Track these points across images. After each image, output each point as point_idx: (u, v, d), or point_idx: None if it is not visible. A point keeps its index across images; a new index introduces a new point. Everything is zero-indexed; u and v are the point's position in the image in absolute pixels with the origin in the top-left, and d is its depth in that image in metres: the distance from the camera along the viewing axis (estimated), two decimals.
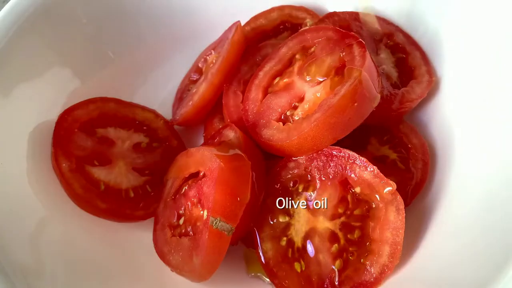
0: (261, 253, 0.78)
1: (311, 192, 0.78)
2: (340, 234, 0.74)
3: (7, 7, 0.85)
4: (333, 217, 0.75)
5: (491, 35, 0.80)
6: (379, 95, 0.79)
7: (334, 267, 0.73)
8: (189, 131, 1.07)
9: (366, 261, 0.72)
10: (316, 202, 0.77)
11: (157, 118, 1.03)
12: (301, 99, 0.82)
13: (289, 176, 0.81)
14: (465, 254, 0.67)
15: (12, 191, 0.77)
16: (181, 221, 0.81)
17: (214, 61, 1.00)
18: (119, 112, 0.98)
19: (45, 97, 0.89)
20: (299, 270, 0.76)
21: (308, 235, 0.76)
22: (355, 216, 0.74)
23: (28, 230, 0.75)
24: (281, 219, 0.79)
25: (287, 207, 0.79)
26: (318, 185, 0.77)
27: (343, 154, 0.75)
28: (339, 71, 0.81)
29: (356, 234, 0.74)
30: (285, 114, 0.83)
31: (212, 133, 0.97)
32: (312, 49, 0.87)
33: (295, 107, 0.83)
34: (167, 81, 1.14)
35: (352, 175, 0.74)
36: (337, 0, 1.06)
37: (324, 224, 0.75)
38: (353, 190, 0.76)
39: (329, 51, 0.83)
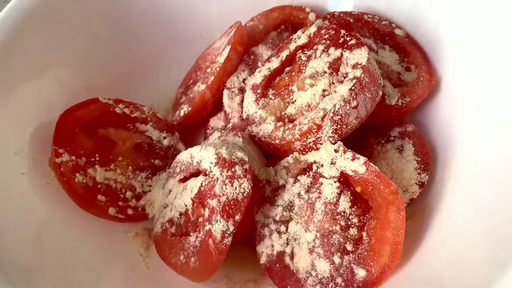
0: (261, 253, 0.78)
1: (312, 191, 0.78)
2: (340, 234, 0.74)
3: (7, 7, 0.85)
4: (334, 217, 0.75)
5: (491, 35, 0.80)
6: (379, 95, 0.79)
7: (334, 267, 0.73)
8: (189, 131, 1.08)
9: (367, 260, 0.72)
10: (317, 202, 0.77)
11: (158, 118, 1.03)
12: (302, 99, 0.82)
13: (290, 175, 0.81)
14: (465, 254, 0.67)
15: (12, 191, 0.77)
16: (182, 221, 0.81)
17: (214, 61, 1.00)
18: (119, 112, 0.98)
19: (45, 97, 0.89)
20: (299, 270, 0.75)
21: (308, 235, 0.76)
22: (355, 216, 0.74)
23: (28, 229, 0.75)
24: (281, 219, 0.79)
25: (287, 207, 0.79)
26: (319, 184, 0.77)
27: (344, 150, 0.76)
28: (340, 71, 0.81)
29: (357, 234, 0.74)
30: (286, 113, 0.83)
31: (212, 133, 0.97)
32: (313, 48, 0.87)
33: (296, 107, 0.83)
34: (168, 81, 1.14)
35: (353, 175, 0.74)
36: (337, 0, 1.06)
37: (324, 224, 0.75)
38: (354, 190, 0.76)
39: (329, 50, 0.83)
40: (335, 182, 0.75)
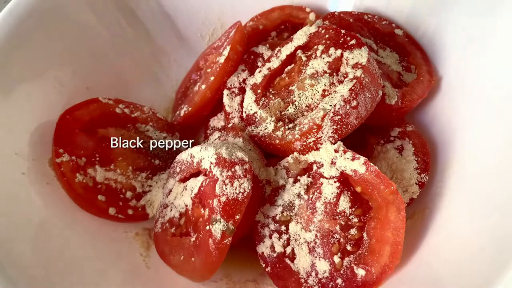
0: (261, 253, 0.78)
1: (312, 191, 0.78)
2: (340, 234, 0.74)
3: (8, 7, 0.85)
4: (334, 217, 0.75)
5: (491, 35, 0.80)
6: (380, 95, 0.79)
7: (335, 267, 0.73)
8: (189, 131, 1.07)
9: (367, 261, 0.72)
10: (317, 202, 0.77)
11: (158, 118, 1.03)
12: (302, 99, 0.82)
13: (290, 175, 0.81)
14: (465, 254, 0.67)
15: (12, 191, 0.77)
16: (182, 221, 0.81)
17: (215, 61, 1.00)
18: (120, 112, 0.98)
19: (45, 97, 0.89)
20: (299, 270, 0.75)
21: (308, 235, 0.76)
22: (355, 216, 0.74)
23: (28, 229, 0.75)
24: (281, 219, 0.79)
25: (287, 207, 0.79)
26: (319, 185, 0.77)
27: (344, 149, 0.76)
28: (340, 71, 0.81)
29: (357, 234, 0.74)
30: (286, 113, 0.84)
31: (213, 133, 0.97)
32: (313, 48, 0.87)
33: (296, 107, 0.83)
34: (168, 81, 1.14)
35: (353, 175, 0.74)
36: (337, 0, 1.06)
37: (324, 224, 0.75)
38: (354, 190, 0.75)
39: (329, 50, 0.83)
40: (335, 182, 0.75)
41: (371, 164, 0.73)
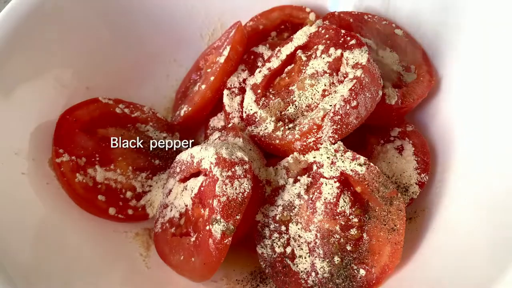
0: (261, 253, 0.78)
1: (312, 191, 0.78)
2: (340, 234, 0.74)
3: (8, 7, 0.85)
4: (334, 217, 0.75)
5: (492, 35, 0.80)
6: (380, 95, 0.79)
7: (335, 267, 0.73)
8: (189, 131, 1.07)
9: (367, 261, 0.72)
10: (317, 202, 0.77)
11: (158, 118, 1.03)
12: (302, 99, 0.82)
13: (290, 175, 0.81)
14: (465, 254, 0.67)
15: (12, 191, 0.77)
16: (182, 221, 0.81)
17: (215, 61, 1.00)
18: (120, 112, 0.98)
19: (45, 97, 0.89)
20: (299, 270, 0.75)
21: (308, 235, 0.76)
22: (355, 216, 0.74)
23: (28, 229, 0.75)
24: (281, 219, 0.79)
25: (287, 207, 0.79)
26: (319, 185, 0.77)
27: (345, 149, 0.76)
28: (340, 71, 0.81)
29: (357, 234, 0.74)
30: (286, 113, 0.84)
31: (213, 133, 0.97)
32: (313, 48, 0.87)
33: (296, 107, 0.83)
34: (168, 81, 1.14)
35: (353, 175, 0.74)
36: (337, 0, 1.06)
37: (324, 224, 0.75)
38: (354, 190, 0.75)
39: (329, 50, 0.83)
40: (335, 182, 0.75)
41: (371, 164, 0.73)
